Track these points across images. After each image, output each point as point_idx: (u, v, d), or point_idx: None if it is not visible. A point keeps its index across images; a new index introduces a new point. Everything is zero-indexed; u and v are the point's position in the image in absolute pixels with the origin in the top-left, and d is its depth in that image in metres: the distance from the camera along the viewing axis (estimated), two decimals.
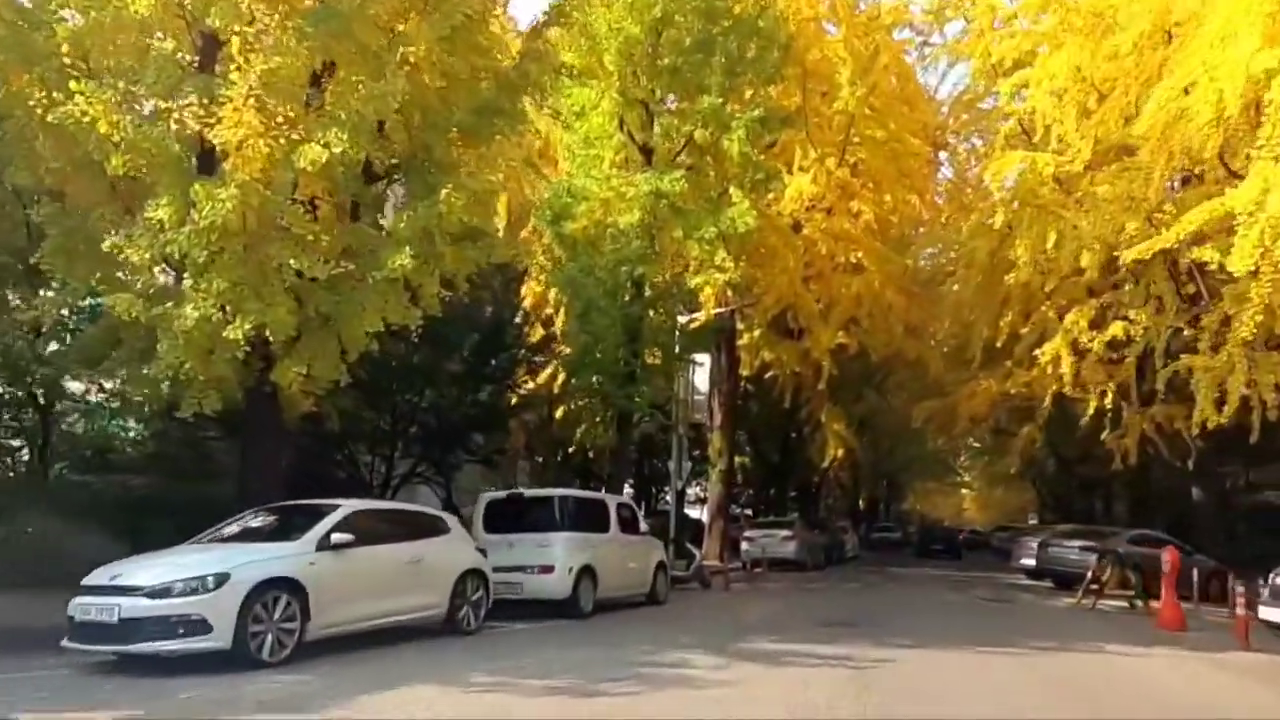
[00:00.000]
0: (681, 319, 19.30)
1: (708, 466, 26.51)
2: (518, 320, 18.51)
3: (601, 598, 12.78)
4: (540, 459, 31.35)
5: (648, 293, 18.24)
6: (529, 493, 13.20)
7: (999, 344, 25.29)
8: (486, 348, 17.97)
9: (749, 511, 44.70)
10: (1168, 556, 13.16)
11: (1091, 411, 19.39)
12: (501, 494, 13.24)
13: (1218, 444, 24.08)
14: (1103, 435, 23.72)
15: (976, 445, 60.00)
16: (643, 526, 14.28)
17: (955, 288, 30.47)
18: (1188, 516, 32.21)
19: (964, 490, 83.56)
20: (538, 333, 20.04)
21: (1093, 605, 15.53)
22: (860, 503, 58.55)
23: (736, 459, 27.47)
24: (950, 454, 57.63)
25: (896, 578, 23.05)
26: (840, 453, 26.76)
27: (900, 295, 27.96)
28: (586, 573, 12.27)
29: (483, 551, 10.92)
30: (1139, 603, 15.38)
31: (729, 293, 21.84)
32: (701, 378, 23.43)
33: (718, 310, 23.35)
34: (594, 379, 17.91)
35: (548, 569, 11.95)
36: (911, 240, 28.17)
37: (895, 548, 49.62)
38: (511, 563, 12.10)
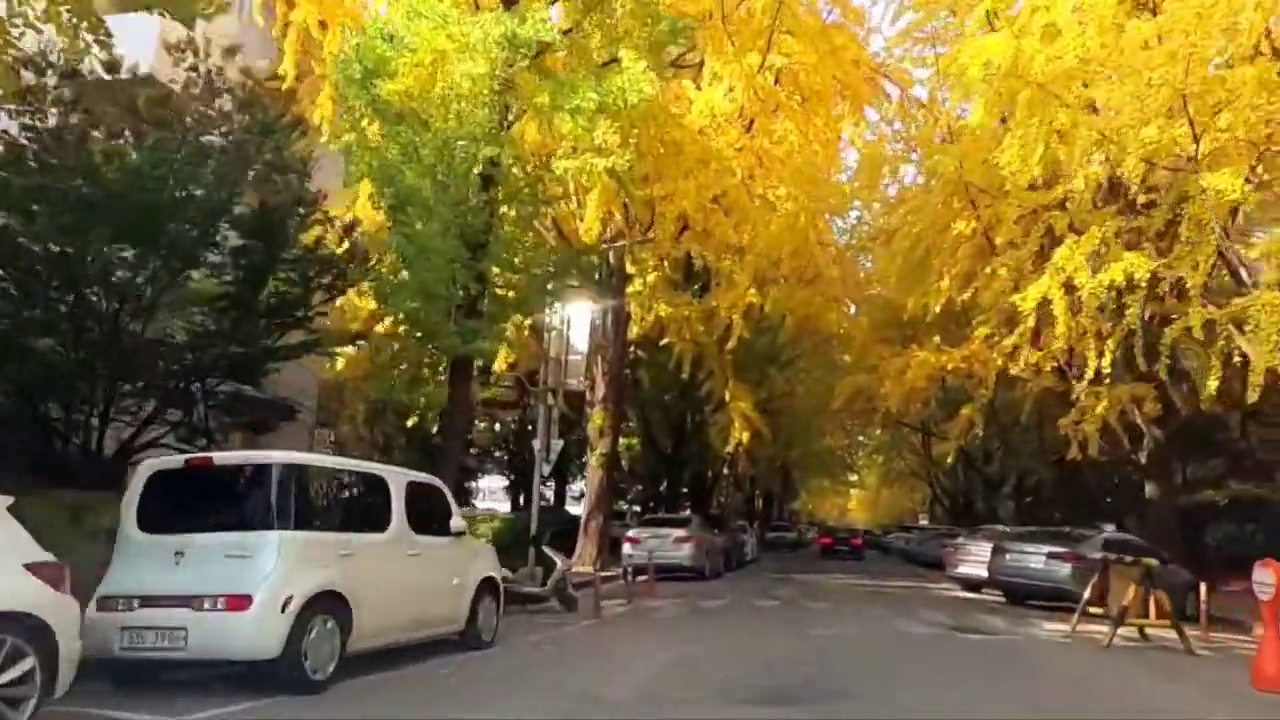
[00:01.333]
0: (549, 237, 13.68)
1: (587, 450, 20.96)
2: (306, 218, 12.32)
3: (364, 648, 7.05)
4: (377, 431, 25.13)
5: (499, 190, 12.52)
6: (222, 458, 7.25)
7: (937, 310, 20.75)
8: (259, 258, 11.84)
9: (638, 508, 39.50)
10: (1271, 574, 8.24)
11: (1091, 374, 14.69)
12: (174, 462, 7.22)
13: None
14: (1061, 421, 19.39)
15: (869, 443, 57.05)
16: (458, 524, 8.58)
17: (892, 244, 26.06)
18: (1124, 516, 28.91)
19: (853, 490, 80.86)
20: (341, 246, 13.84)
21: (1108, 641, 10.67)
22: (758, 500, 54.21)
23: (623, 442, 21.99)
24: (848, 449, 53.96)
25: (812, 589, 18.02)
26: (746, 438, 21.67)
27: (824, 248, 23.20)
28: (322, 608, 6.48)
29: None
30: (1147, 630, 10.62)
31: (615, 214, 16.40)
32: (580, 334, 17.80)
33: (606, 245, 17.81)
34: (413, 306, 12.07)
35: (240, 602, 6.09)
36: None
37: (792, 549, 45.40)
38: (172, 590, 6.22)
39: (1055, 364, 20.39)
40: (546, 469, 17.51)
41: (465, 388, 13.03)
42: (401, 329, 12.73)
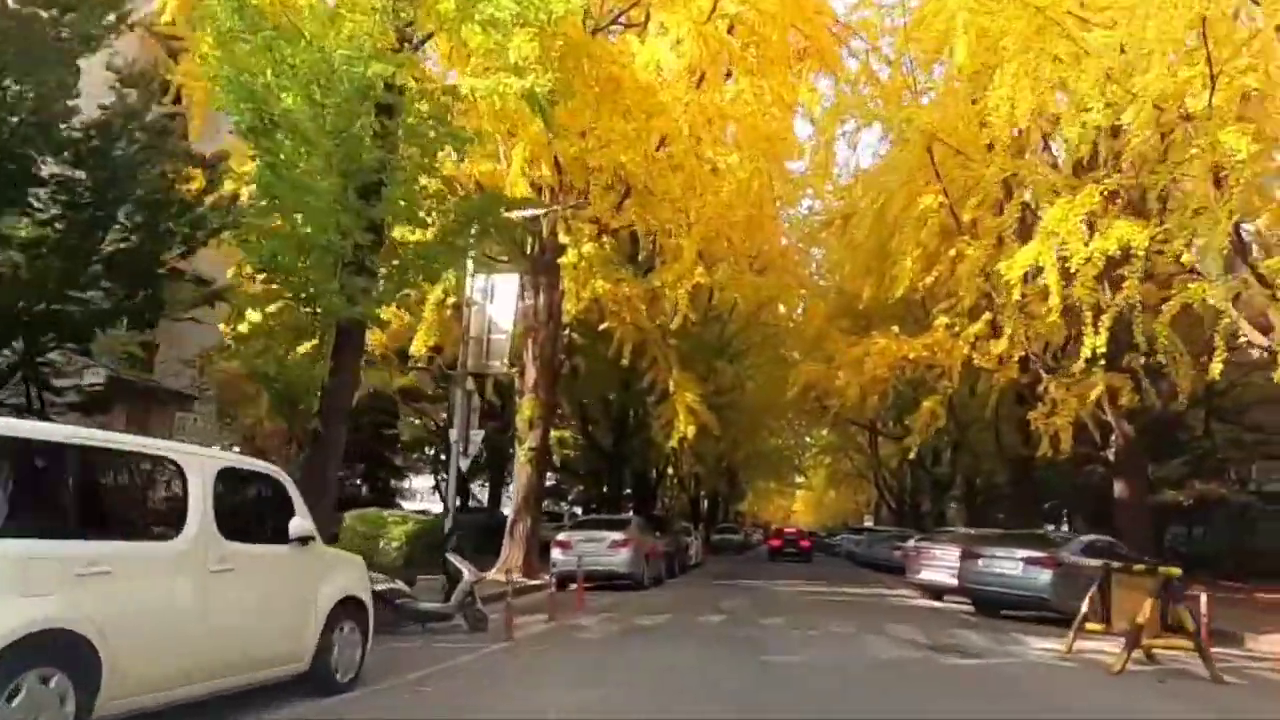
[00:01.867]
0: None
1: (515, 443, 18.65)
2: (157, 151, 9.83)
3: (132, 708, 4.75)
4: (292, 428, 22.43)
5: (398, 124, 10.22)
6: None
7: (899, 294, 19.01)
8: (93, 193, 9.37)
9: (579, 510, 37.19)
10: None
11: (1088, 353, 12.86)
12: None
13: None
14: (1031, 415, 17.77)
15: (816, 444, 55.68)
16: (301, 528, 6.31)
17: (850, 225, 24.31)
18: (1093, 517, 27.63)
19: (799, 491, 79.65)
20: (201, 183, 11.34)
21: (1120, 665, 8.82)
22: (703, 502, 52.33)
23: (556, 435, 19.73)
24: (796, 450, 52.47)
25: (763, 600, 16.03)
26: (691, 433, 19.60)
27: (776, 221, 21.40)
28: (37, 658, 4.18)
29: None
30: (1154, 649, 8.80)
31: (544, 168, 14.19)
32: (505, 311, 15.55)
33: (533, 212, 15.61)
34: (283, 259, 9.70)
35: None
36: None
37: (738, 551, 43.64)
38: None
39: (1023, 355, 18.86)
40: (464, 463, 15.22)
41: (351, 360, 10.66)
42: (274, 286, 10.32)
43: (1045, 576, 13.43)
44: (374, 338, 18.92)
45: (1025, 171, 13.41)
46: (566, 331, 19.05)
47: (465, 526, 20.77)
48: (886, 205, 20.94)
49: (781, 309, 32.81)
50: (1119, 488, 19.04)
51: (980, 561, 14.40)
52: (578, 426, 25.41)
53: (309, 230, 9.67)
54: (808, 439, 54.90)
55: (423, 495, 43.40)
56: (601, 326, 20.42)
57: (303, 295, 9.94)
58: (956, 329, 18.94)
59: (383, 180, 10.13)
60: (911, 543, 29.82)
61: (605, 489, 26.86)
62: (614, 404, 24.61)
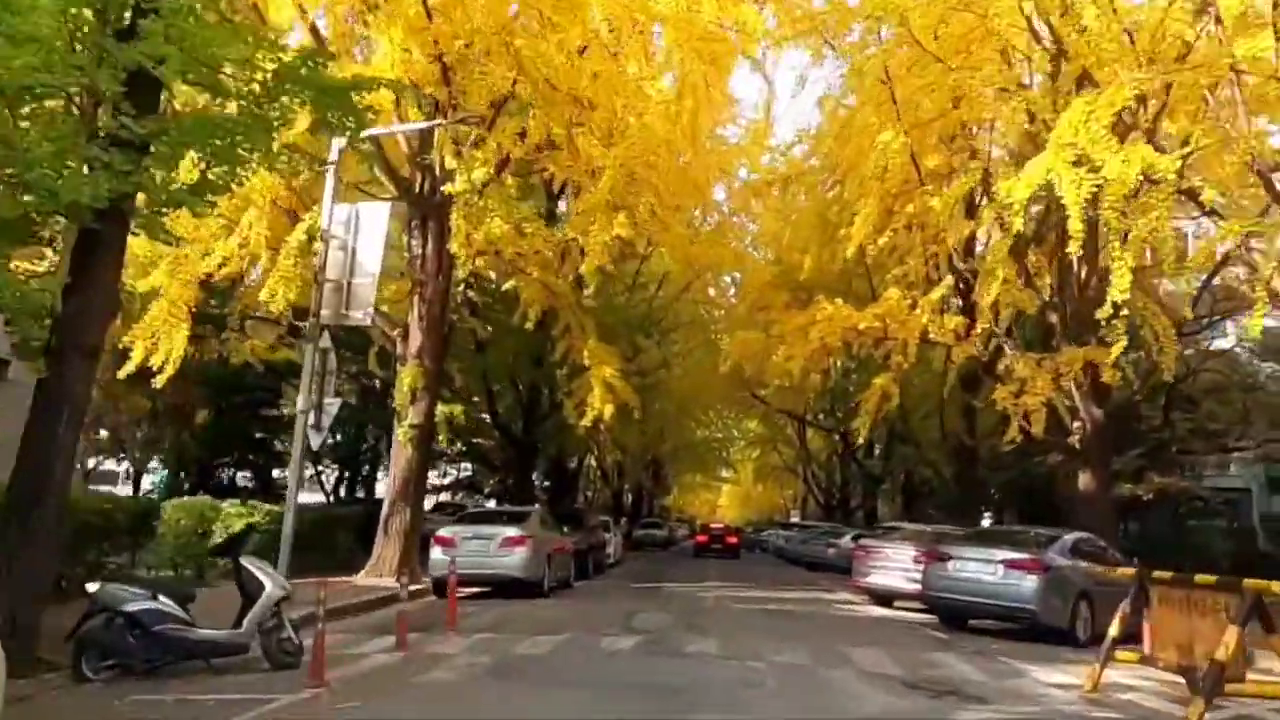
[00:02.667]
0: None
1: (395, 420, 15.26)
2: None
3: None
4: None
5: None
6: None
7: (848, 255, 16.42)
8: None
9: (490, 502, 33.72)
10: None
11: (1118, 294, 10.14)
12: None
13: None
14: (997, 394, 15.30)
15: (742, 438, 53.36)
16: None
17: (794, 185, 21.68)
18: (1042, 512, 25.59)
19: (725, 486, 77.49)
20: None
21: (1197, 718, 6.14)
22: (625, 495, 49.44)
23: (445, 409, 16.33)
24: (723, 443, 50.07)
25: (690, 610, 13.11)
26: (609, 412, 16.55)
27: (711, 173, 18.62)
28: None
29: None
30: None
31: (413, 53, 10.96)
32: (372, 248, 12.19)
33: (408, 128, 12.35)
34: None
35: None
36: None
37: (662, 548, 40.82)
38: None
39: (986, 328, 16.46)
40: (315, 439, 11.79)
41: (104, 274, 7.20)
42: None
43: (1030, 584, 10.83)
44: (250, 297, 15.36)
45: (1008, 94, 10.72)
46: (462, 288, 15.75)
47: (341, 521, 17.36)
48: (836, 154, 18.41)
49: (711, 292, 30.22)
50: (1083, 479, 16.73)
51: (951, 565, 11.73)
52: (484, 407, 22.09)
53: (26, 66, 6.24)
54: (735, 433, 52.71)
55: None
56: (505, 286, 17.26)
57: (11, 172, 6.52)
58: (913, 299, 16.45)
59: (146, 9, 6.77)
60: (848, 541, 27.55)
61: (512, 479, 23.52)
62: (523, 380, 21.34)
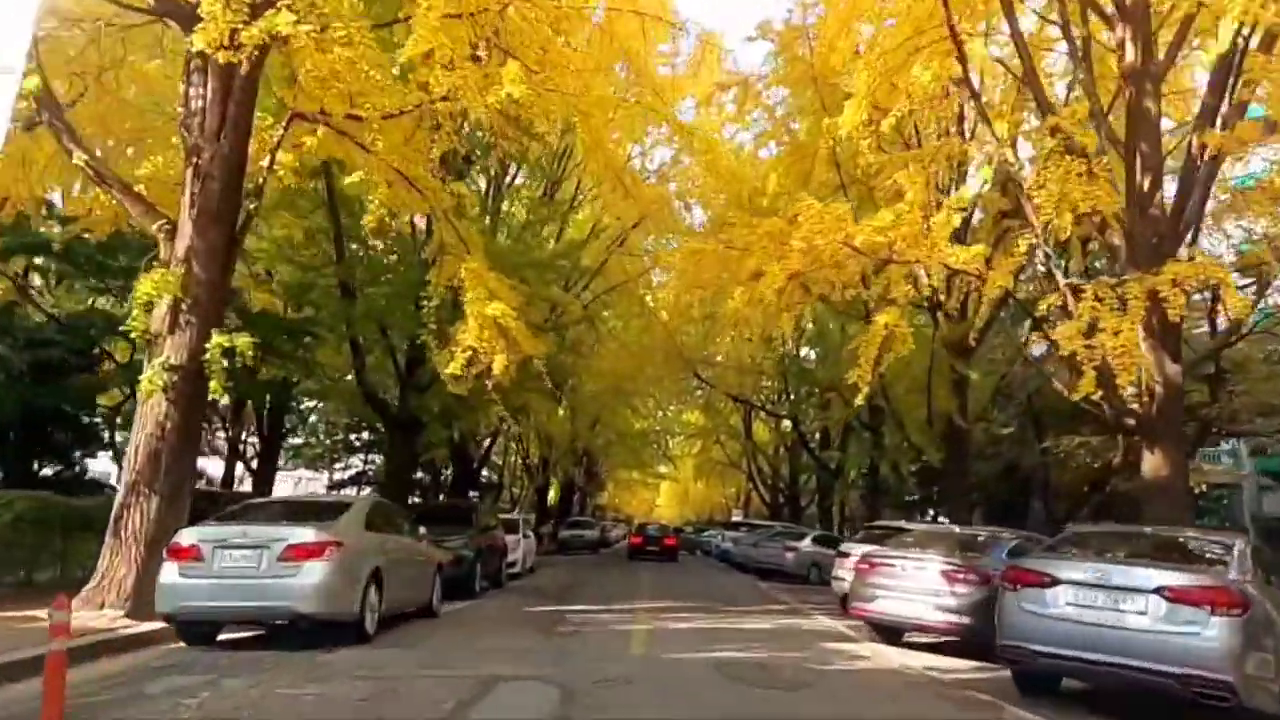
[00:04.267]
0: None
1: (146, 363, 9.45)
2: None
3: None
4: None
5: None
6: None
7: (849, 131, 11.33)
8: None
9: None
10: None
11: None
12: None
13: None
14: (1059, 333, 10.28)
15: (682, 432, 48.24)
16: None
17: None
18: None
19: (663, 483, 72.18)
20: None
21: None
22: (551, 494, 43.82)
23: (219, 340, 10.38)
24: (662, 436, 44.91)
25: (596, 660, 7.78)
26: (500, 365, 11.01)
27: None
28: None
29: None
30: None
31: None
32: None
33: None
34: None
35: None
36: None
37: (592, 550, 35.45)
38: None
39: (1027, 249, 11.51)
40: None
41: None
42: None
43: (1218, 633, 5.74)
44: None
45: None
46: (269, 166, 10.03)
47: (76, 518, 11.46)
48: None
49: (649, 245, 24.95)
50: (1152, 462, 11.79)
51: (1060, 595, 6.53)
52: (352, 363, 16.23)
53: None
54: (676, 427, 47.52)
55: None
56: (349, 179, 11.63)
57: None
58: (929, 212, 11.41)
59: None
60: (809, 544, 22.52)
61: (388, 468, 17.63)
62: (399, 334, 15.60)
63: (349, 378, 16.61)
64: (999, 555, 9.37)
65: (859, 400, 11.99)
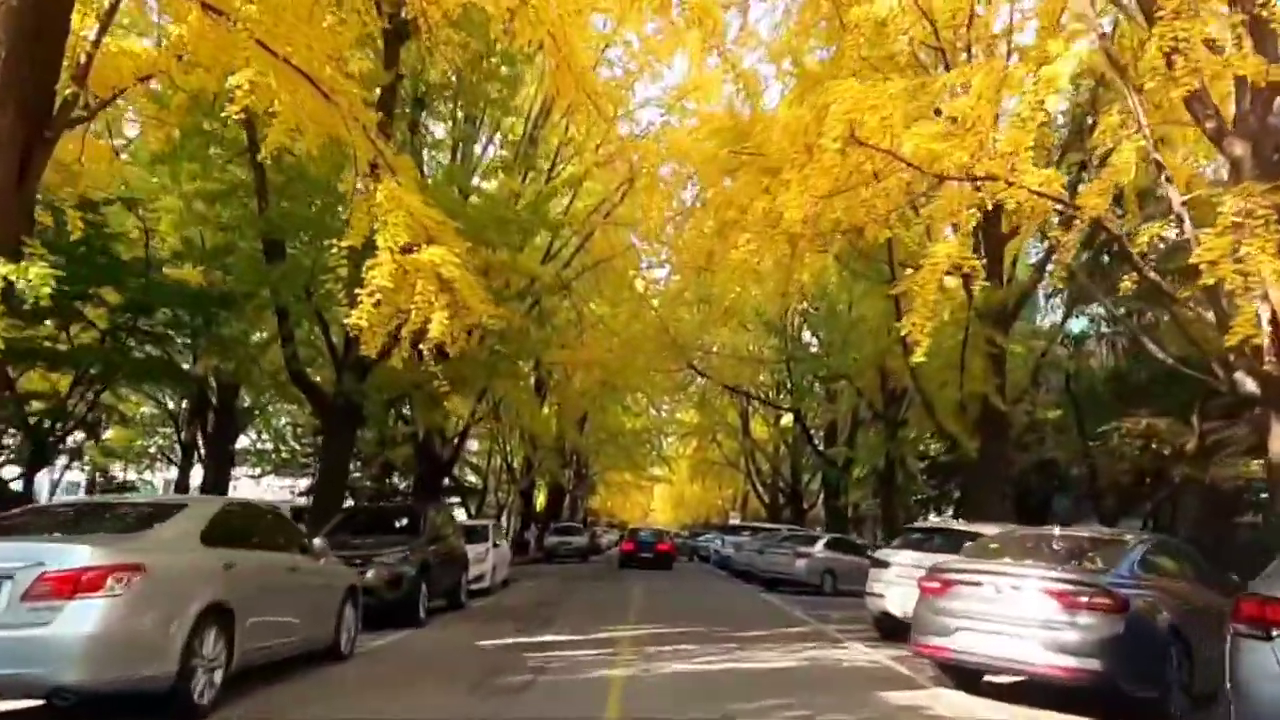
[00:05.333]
0: None
1: None
2: None
3: None
4: None
5: None
6: None
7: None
8: None
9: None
10: None
11: None
12: None
13: None
14: (1202, 245, 7.36)
15: (678, 431, 45.27)
16: None
17: None
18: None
19: (658, 486, 69.06)
20: None
21: None
22: (541, 498, 40.82)
23: (13, 270, 7.45)
24: (657, 429, 41.94)
25: (562, 711, 4.92)
26: (439, 326, 8.20)
27: None
28: None
29: None
30: None
31: None
32: None
33: None
34: None
35: None
36: None
37: (581, 558, 32.57)
38: None
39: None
40: None
41: None
42: None
43: None
44: None
45: None
46: (95, 40, 7.12)
47: None
48: None
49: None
50: None
51: None
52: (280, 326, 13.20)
53: None
54: (671, 425, 44.50)
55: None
56: (235, 79, 8.69)
57: None
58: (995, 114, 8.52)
59: None
60: (821, 549, 19.60)
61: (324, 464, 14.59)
62: (327, 300, 12.61)
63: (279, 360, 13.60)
64: (1129, 567, 6.50)
65: (917, 356, 9.01)
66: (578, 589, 17.75)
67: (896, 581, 10.30)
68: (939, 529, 11.19)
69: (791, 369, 28.14)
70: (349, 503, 17.98)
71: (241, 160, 12.72)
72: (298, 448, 30.69)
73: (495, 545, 16.48)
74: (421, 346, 9.22)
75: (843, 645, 9.97)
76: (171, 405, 23.10)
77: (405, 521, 11.70)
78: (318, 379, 13.84)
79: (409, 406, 17.64)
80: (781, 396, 33.47)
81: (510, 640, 9.37)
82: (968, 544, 8.09)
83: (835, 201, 8.78)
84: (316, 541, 7.31)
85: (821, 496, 33.10)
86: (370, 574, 10.12)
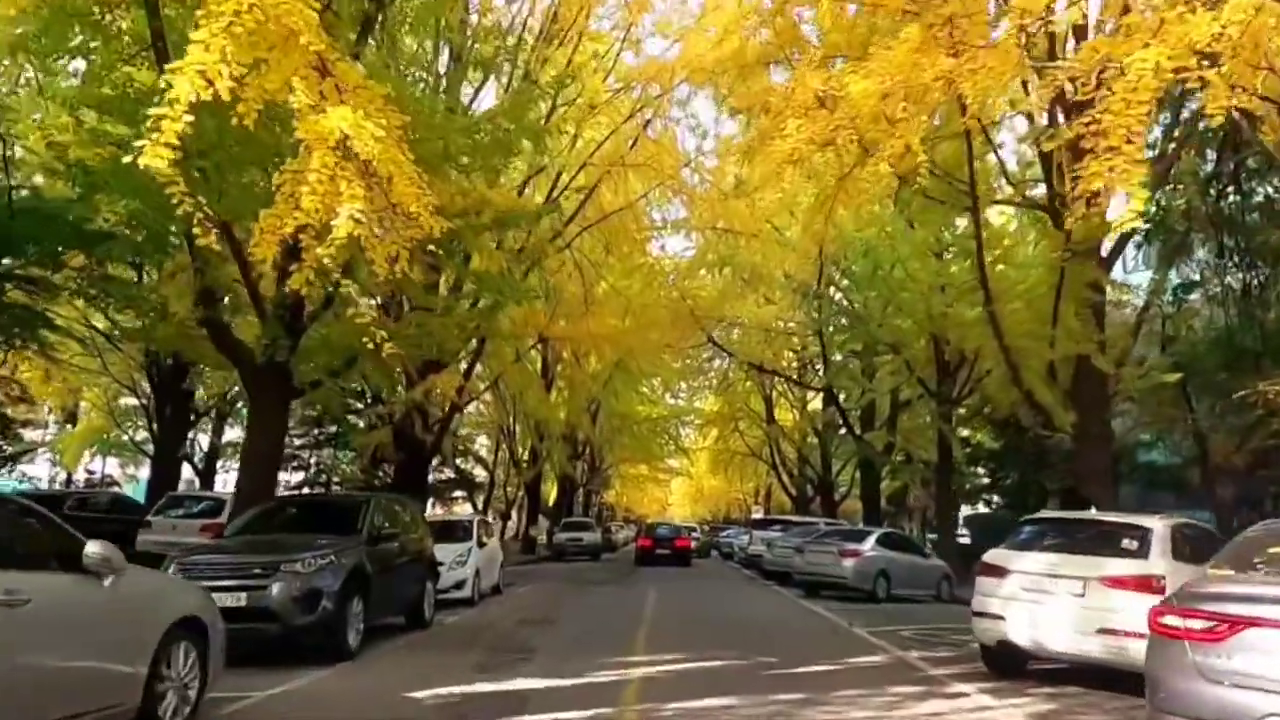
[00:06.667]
0: None
1: None
2: None
3: None
4: None
5: None
6: None
7: None
8: None
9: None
10: None
11: None
12: None
13: None
14: None
15: (697, 420, 41.92)
16: None
17: None
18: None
19: (675, 480, 65.62)
20: None
21: None
22: (553, 493, 37.73)
23: None
24: (676, 416, 38.75)
25: None
26: (405, 259, 5.16)
27: None
28: None
29: None
30: None
31: None
32: None
33: None
34: None
35: None
36: None
37: (593, 555, 29.46)
38: None
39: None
40: None
41: None
42: None
43: None
44: None
45: None
46: None
47: None
48: None
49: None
50: None
51: None
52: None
53: None
54: (689, 414, 41.14)
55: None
56: None
57: None
58: None
59: None
60: (872, 546, 16.26)
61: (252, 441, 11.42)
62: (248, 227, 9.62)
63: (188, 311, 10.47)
64: None
65: (1135, 206, 5.71)
66: (580, 596, 14.55)
67: (1021, 596, 7.05)
68: (1069, 520, 7.89)
69: (825, 341, 24.79)
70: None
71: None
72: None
73: (481, 544, 13.33)
74: (323, 253, 6.05)
75: (949, 690, 6.70)
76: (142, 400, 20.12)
77: (338, 517, 8.52)
78: (243, 338, 10.67)
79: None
80: (810, 376, 30.13)
81: (461, 689, 6.20)
82: (1225, 549, 4.74)
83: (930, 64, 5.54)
84: (94, 549, 4.17)
85: (857, 487, 29.73)
86: (274, 589, 7.05)
